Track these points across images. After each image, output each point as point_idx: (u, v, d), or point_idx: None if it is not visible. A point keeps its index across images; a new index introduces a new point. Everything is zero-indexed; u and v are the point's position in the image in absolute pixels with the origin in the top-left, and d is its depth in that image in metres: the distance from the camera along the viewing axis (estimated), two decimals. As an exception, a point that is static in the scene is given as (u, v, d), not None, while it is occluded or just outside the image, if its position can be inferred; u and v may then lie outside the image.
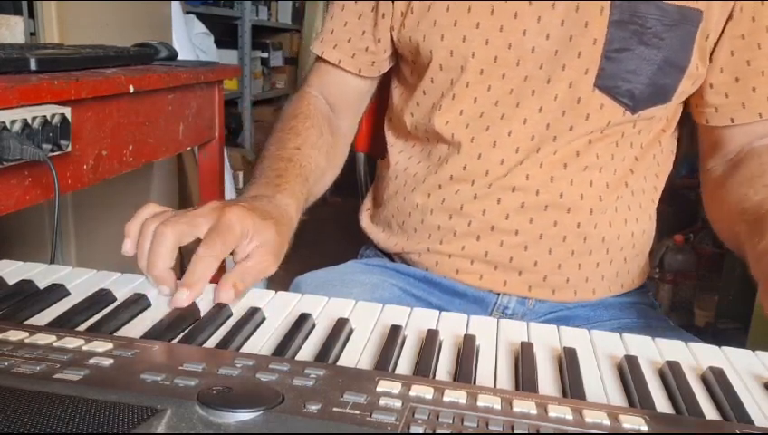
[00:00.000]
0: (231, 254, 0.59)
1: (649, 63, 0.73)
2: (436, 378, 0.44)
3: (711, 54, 0.76)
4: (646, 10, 0.72)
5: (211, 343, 0.48)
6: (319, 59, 0.89)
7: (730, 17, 0.74)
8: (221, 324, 0.51)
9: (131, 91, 0.97)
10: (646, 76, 0.73)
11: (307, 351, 0.47)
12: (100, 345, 0.41)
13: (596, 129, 0.76)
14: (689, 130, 0.86)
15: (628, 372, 0.45)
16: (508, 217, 0.77)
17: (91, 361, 0.39)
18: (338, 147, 0.89)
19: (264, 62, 3.94)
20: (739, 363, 0.49)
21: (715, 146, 0.82)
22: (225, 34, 3.30)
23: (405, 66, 0.87)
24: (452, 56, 0.77)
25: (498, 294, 0.81)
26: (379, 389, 0.38)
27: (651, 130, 0.80)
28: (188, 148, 1.42)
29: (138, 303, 0.52)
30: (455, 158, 0.79)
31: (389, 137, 0.90)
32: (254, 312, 0.52)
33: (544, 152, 0.76)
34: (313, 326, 0.52)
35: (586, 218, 0.77)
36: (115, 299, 0.54)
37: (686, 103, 0.82)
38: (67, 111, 0.79)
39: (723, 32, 0.75)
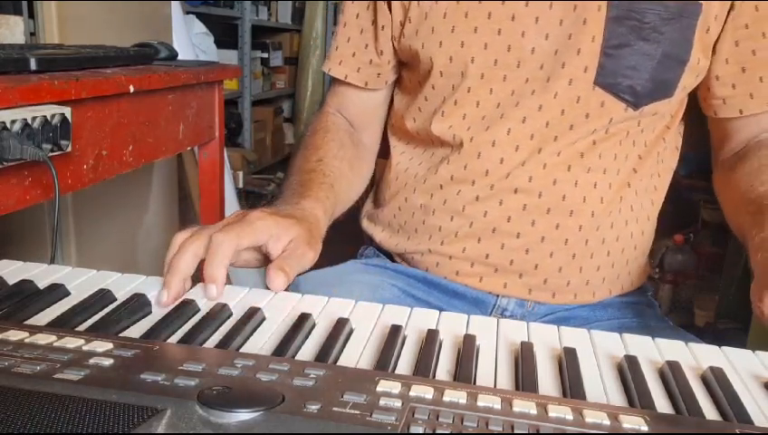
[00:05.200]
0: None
1: (649, 58, 0.73)
2: (436, 378, 0.44)
3: (715, 46, 0.75)
4: (644, 5, 0.71)
5: (211, 343, 0.48)
6: (333, 80, 0.91)
7: (732, 7, 0.74)
8: (221, 324, 0.51)
9: (131, 91, 0.97)
10: (646, 71, 0.73)
11: (307, 351, 0.47)
12: (100, 345, 0.41)
13: (598, 127, 0.76)
14: (694, 127, 0.86)
15: (628, 372, 0.45)
16: (510, 219, 0.77)
17: (91, 361, 0.39)
18: (363, 159, 0.90)
19: (264, 62, 3.94)
20: (739, 363, 0.49)
21: (724, 138, 0.82)
22: (225, 34, 3.30)
23: (405, 73, 0.87)
24: (452, 62, 0.77)
25: (497, 296, 0.81)
26: (379, 389, 0.38)
27: (655, 127, 0.79)
28: (188, 148, 1.42)
29: (138, 303, 0.52)
30: (455, 157, 0.79)
31: (391, 139, 0.91)
32: (254, 312, 0.52)
33: (547, 153, 0.76)
34: (313, 326, 0.52)
35: (588, 221, 0.77)
36: (115, 299, 0.54)
37: (691, 97, 0.82)
38: (67, 111, 0.79)
39: (726, 22, 0.74)
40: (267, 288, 0.59)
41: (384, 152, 0.94)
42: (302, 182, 0.76)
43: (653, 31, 0.72)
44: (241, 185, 3.06)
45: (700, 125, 0.85)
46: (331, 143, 0.84)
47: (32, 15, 1.34)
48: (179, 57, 1.29)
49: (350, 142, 0.88)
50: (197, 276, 0.58)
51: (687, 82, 0.76)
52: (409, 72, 0.86)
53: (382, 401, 0.36)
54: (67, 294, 0.54)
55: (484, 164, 0.77)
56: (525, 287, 0.79)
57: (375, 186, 0.96)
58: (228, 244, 0.56)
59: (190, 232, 0.60)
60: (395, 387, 0.38)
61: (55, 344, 0.41)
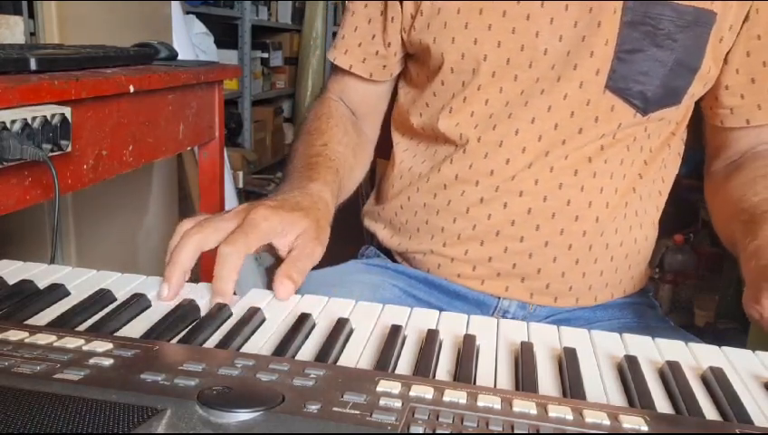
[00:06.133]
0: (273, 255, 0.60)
1: (661, 65, 0.72)
2: (436, 378, 0.44)
3: (726, 56, 0.75)
4: (659, 11, 0.71)
5: (211, 343, 0.48)
6: (336, 67, 0.90)
7: (746, 18, 0.74)
8: (221, 324, 0.51)
9: (131, 91, 0.97)
10: (657, 78, 0.73)
11: (307, 351, 0.47)
12: (100, 345, 0.41)
13: (606, 132, 0.75)
14: (693, 128, 0.86)
15: (628, 372, 0.45)
16: (514, 223, 0.76)
17: (91, 361, 0.39)
18: (363, 147, 0.90)
19: (264, 62, 3.94)
20: (739, 363, 0.49)
21: (721, 147, 0.82)
22: (225, 34, 3.30)
23: (413, 67, 0.86)
24: (463, 59, 0.76)
25: (499, 298, 0.80)
26: (379, 389, 0.38)
27: (661, 133, 0.79)
28: (188, 148, 1.42)
29: (138, 303, 0.52)
30: (460, 156, 0.79)
31: (395, 136, 0.90)
32: (254, 312, 0.52)
33: (554, 156, 0.75)
34: (313, 326, 0.52)
35: (593, 226, 0.77)
36: (115, 299, 0.54)
37: (695, 104, 0.81)
38: (67, 110, 0.79)
39: (739, 33, 0.74)
40: (267, 288, 0.59)
41: (386, 153, 0.93)
42: (308, 165, 0.75)
43: (667, 38, 0.71)
44: (241, 185, 3.06)
45: (701, 127, 0.85)
46: (335, 129, 0.84)
47: (32, 15, 1.34)
48: (179, 57, 1.29)
49: (353, 130, 0.87)
50: (198, 275, 0.58)
51: (696, 90, 0.76)
52: (417, 66, 0.85)
53: (382, 401, 0.36)
54: (67, 294, 0.54)
55: (489, 164, 0.77)
56: (527, 291, 0.79)
57: (377, 183, 0.96)
58: (236, 256, 0.55)
59: (194, 221, 0.59)
60: (395, 387, 0.38)
61: (55, 344, 0.41)
